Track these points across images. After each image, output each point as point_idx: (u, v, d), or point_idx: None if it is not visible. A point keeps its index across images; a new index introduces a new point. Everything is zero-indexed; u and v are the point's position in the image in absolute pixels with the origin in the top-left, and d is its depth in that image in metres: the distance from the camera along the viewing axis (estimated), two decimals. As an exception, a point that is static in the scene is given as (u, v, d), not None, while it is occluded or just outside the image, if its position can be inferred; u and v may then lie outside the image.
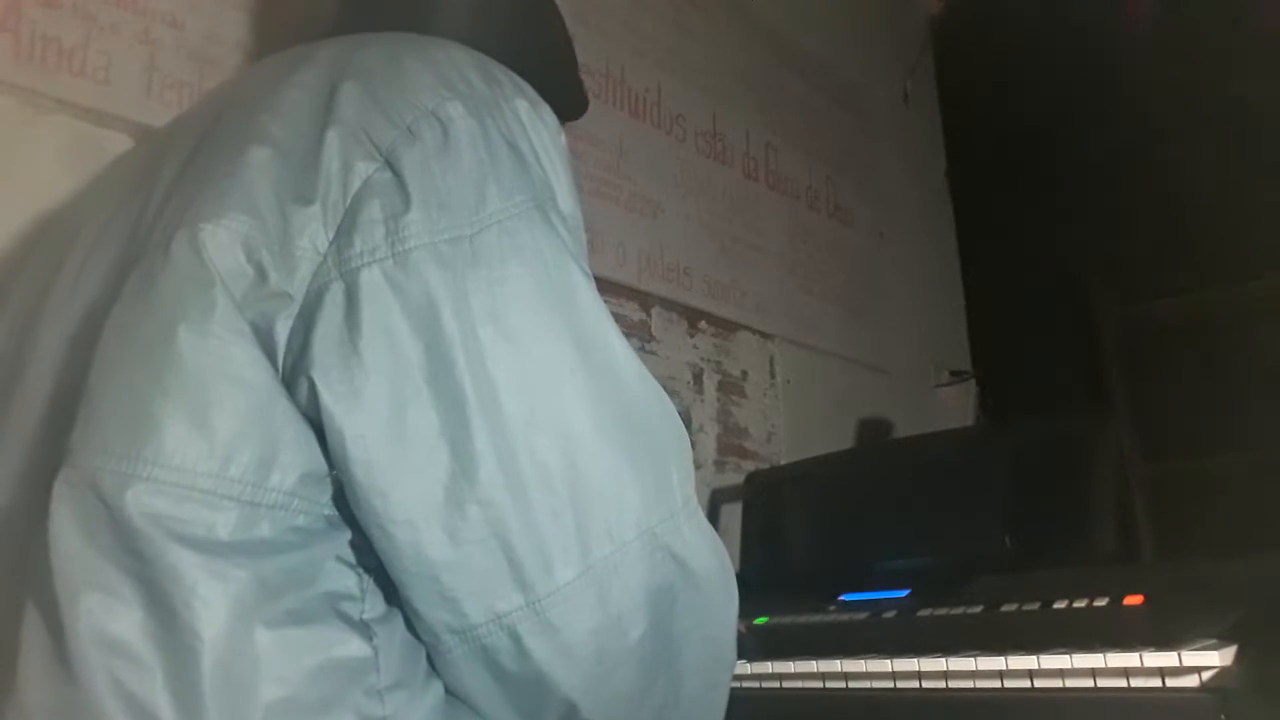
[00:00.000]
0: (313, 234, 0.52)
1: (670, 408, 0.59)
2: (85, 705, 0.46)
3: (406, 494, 0.50)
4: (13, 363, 0.62)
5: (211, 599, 0.47)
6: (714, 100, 1.88)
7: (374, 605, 0.53)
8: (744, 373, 1.81)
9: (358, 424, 0.50)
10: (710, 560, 0.58)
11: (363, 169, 0.53)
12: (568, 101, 0.85)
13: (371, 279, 0.51)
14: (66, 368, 0.57)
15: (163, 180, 0.60)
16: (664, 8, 1.80)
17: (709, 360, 1.74)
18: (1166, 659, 0.69)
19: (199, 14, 1.11)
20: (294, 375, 0.51)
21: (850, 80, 2.29)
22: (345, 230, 0.52)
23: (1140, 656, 0.70)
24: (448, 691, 0.55)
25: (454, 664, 0.53)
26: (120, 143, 1.01)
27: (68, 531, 0.48)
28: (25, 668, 0.48)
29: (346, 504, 0.52)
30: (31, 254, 0.71)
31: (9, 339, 0.64)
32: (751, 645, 0.89)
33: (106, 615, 0.47)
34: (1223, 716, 0.65)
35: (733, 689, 0.67)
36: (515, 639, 0.51)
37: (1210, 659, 0.68)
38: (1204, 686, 0.67)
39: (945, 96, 2.66)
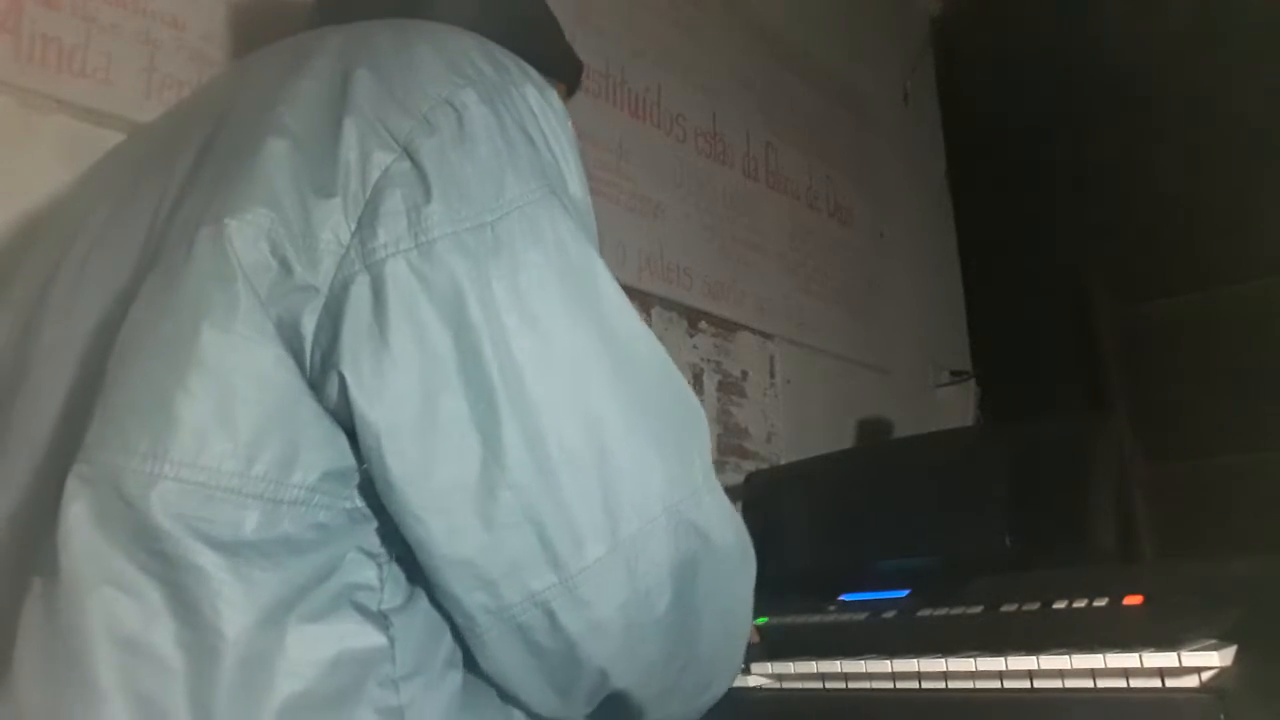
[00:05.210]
0: (334, 226, 0.52)
1: (687, 388, 0.61)
2: (89, 704, 0.46)
3: (441, 483, 0.51)
4: (15, 359, 0.62)
5: (235, 599, 0.48)
6: (714, 100, 1.88)
7: (392, 595, 0.54)
8: (744, 373, 1.81)
9: (390, 416, 0.50)
10: (729, 530, 0.60)
11: (381, 159, 0.53)
12: (561, 68, 0.85)
13: (397, 270, 0.51)
14: (81, 367, 0.56)
15: (175, 176, 0.60)
16: (664, 8, 1.80)
17: (709, 360, 1.74)
18: (1166, 659, 0.68)
19: (199, 14, 1.11)
20: (324, 370, 0.51)
21: (850, 80, 2.29)
22: (367, 221, 0.52)
23: (1140, 657, 0.69)
24: (472, 675, 0.56)
25: (490, 644, 0.54)
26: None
27: (82, 528, 0.48)
28: (21, 666, 0.47)
29: (371, 494, 0.53)
30: (29, 250, 0.71)
31: (9, 335, 0.64)
32: (760, 650, 0.89)
33: (123, 614, 0.47)
34: (1222, 716, 0.65)
35: (733, 689, 0.68)
36: (550, 615, 0.53)
37: (1210, 659, 0.68)
38: (1203, 687, 0.67)
39: (945, 96, 2.66)
